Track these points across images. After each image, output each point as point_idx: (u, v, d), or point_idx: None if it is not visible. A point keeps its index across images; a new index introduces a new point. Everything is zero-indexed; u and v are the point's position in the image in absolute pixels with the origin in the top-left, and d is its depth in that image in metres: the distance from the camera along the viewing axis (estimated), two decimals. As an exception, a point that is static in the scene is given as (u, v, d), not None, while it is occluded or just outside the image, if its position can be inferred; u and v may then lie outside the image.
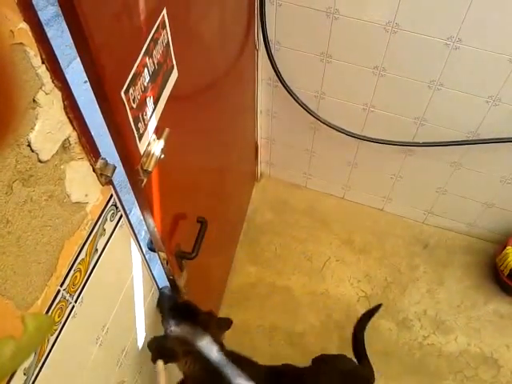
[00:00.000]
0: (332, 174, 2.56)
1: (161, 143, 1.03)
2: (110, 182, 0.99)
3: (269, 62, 1.96)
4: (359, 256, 2.51)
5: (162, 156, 1.03)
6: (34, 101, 0.71)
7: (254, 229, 2.58)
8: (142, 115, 0.94)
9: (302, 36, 1.88)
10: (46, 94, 0.73)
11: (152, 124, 1.00)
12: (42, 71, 0.70)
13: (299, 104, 2.10)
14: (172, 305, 1.47)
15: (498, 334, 2.30)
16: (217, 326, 1.52)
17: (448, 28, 1.64)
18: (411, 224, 2.61)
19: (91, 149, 0.88)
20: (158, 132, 1.03)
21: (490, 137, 1.94)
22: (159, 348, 1.38)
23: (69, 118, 0.80)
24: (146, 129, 0.97)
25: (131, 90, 0.87)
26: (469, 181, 2.22)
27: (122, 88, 0.84)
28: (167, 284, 1.51)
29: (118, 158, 0.95)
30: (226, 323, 1.59)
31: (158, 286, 1.52)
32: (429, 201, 2.45)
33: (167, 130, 1.05)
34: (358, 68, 1.90)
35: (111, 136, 0.89)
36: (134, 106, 0.89)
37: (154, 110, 0.99)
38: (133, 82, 0.87)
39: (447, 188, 2.32)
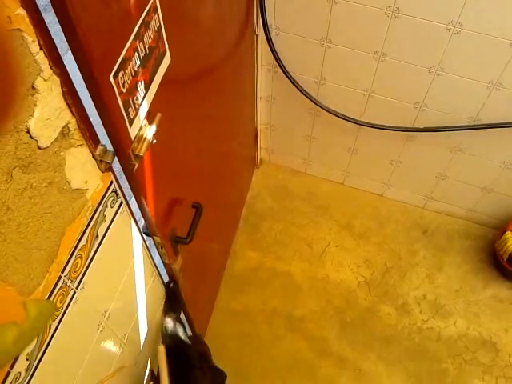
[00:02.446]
0: (332, 160, 2.55)
1: (152, 128, 1.02)
2: (109, 169, 0.99)
3: (268, 47, 1.95)
4: (359, 241, 2.52)
5: (154, 141, 1.03)
6: (32, 87, 0.71)
7: (254, 215, 2.59)
8: (133, 100, 0.93)
9: (301, 21, 1.86)
10: (45, 80, 0.72)
11: (143, 109, 0.99)
12: (40, 57, 0.70)
13: (299, 90, 2.09)
14: (169, 341, 1.41)
15: (497, 318, 2.31)
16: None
17: (449, 12, 1.63)
18: (411, 209, 2.61)
19: (90, 135, 0.88)
20: (150, 117, 1.03)
21: (490, 122, 1.94)
22: None
23: (68, 104, 0.80)
24: (136, 114, 0.96)
25: (120, 75, 0.86)
26: (469, 166, 2.22)
27: (111, 72, 0.83)
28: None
29: (110, 143, 0.95)
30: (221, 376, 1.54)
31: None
32: (428, 186, 2.45)
33: (159, 115, 1.04)
34: (358, 53, 1.89)
35: (101, 121, 0.88)
36: (124, 90, 0.88)
37: (145, 95, 0.98)
38: (122, 67, 0.86)
39: (447, 173, 2.32)
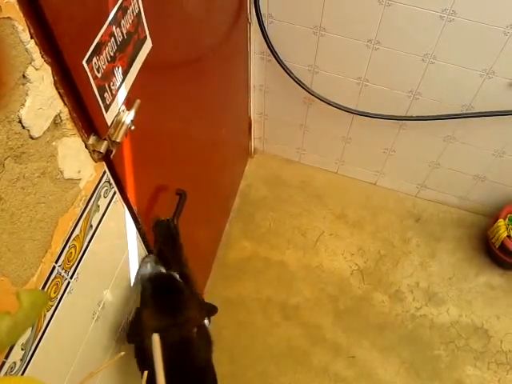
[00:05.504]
0: (326, 149, 2.55)
1: (131, 114, 1.01)
2: (103, 159, 0.99)
3: (261, 35, 1.94)
4: (352, 230, 2.53)
5: (133, 127, 1.01)
6: (23, 76, 0.70)
7: (247, 204, 2.59)
8: (109, 85, 0.92)
9: (295, 9, 1.85)
10: (36, 69, 0.72)
11: (121, 94, 0.98)
12: (31, 46, 0.70)
13: (293, 78, 2.08)
14: (154, 275, 1.32)
15: (489, 305, 2.34)
16: (199, 310, 1.38)
17: (442, 0, 1.62)
18: (404, 198, 2.62)
19: (83, 125, 0.88)
20: (129, 103, 1.01)
21: (483, 110, 1.94)
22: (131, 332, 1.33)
23: (59, 93, 0.79)
24: (113, 99, 0.95)
25: (95, 60, 0.84)
26: (462, 154, 2.22)
27: (84, 57, 0.81)
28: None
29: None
30: (212, 310, 1.46)
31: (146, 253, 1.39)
32: (422, 175, 2.46)
33: (138, 101, 1.03)
34: (351, 41, 1.88)
35: (76, 105, 0.86)
36: (99, 75, 0.87)
37: (123, 81, 0.97)
38: (97, 51, 0.84)
39: (440, 162, 2.33)
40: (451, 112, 2.00)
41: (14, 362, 0.87)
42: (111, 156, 1.00)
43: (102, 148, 0.94)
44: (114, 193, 1.09)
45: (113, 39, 0.89)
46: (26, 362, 0.91)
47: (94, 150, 0.94)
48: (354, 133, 2.36)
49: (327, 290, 2.36)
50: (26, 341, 0.89)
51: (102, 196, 1.03)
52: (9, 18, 0.64)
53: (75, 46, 0.79)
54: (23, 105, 0.71)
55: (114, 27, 0.88)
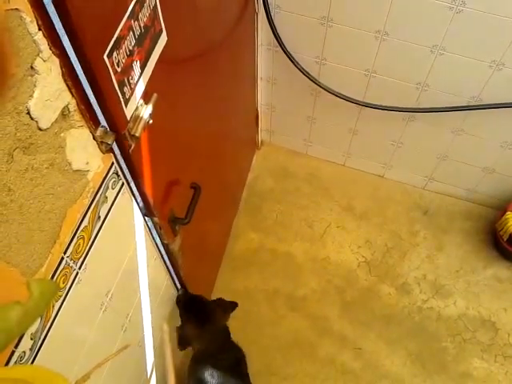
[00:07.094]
0: (333, 141, 2.55)
1: (149, 108, 1.01)
2: (110, 150, 0.99)
3: (268, 26, 1.93)
4: (360, 222, 2.52)
5: (151, 121, 1.02)
6: (31, 68, 0.70)
7: (254, 196, 2.59)
8: (128, 79, 0.92)
9: (302, -1, 1.84)
10: (44, 60, 0.72)
11: (139, 89, 0.98)
12: (39, 38, 0.70)
13: (300, 70, 2.07)
14: (186, 299, 1.79)
15: (496, 298, 2.33)
16: (222, 311, 1.83)
17: (452, -10, 1.61)
18: (411, 190, 2.61)
19: (91, 116, 0.88)
20: (146, 97, 1.02)
21: (492, 102, 1.92)
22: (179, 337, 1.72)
23: (67, 85, 0.79)
24: (132, 93, 0.95)
25: (115, 54, 0.85)
26: (470, 146, 2.21)
27: (105, 52, 0.82)
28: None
29: (106, 123, 0.94)
30: (231, 306, 1.85)
31: (176, 288, 1.79)
32: (429, 167, 2.45)
33: (155, 95, 1.03)
34: (359, 32, 1.87)
35: (97, 101, 0.87)
36: (119, 70, 0.87)
37: (141, 75, 0.97)
38: (116, 46, 0.85)
39: (448, 154, 2.31)
40: (460, 104, 1.99)
41: (24, 352, 0.88)
42: (130, 151, 1.01)
43: (110, 140, 0.94)
44: (122, 184, 1.09)
45: (131, 33, 0.89)
46: (35, 351, 0.92)
47: (101, 142, 0.94)
48: (361, 125, 2.35)
49: (334, 282, 2.37)
50: (35, 331, 0.90)
51: (110, 187, 1.04)
52: (17, 9, 0.64)
53: (96, 40, 0.80)
54: (31, 96, 0.72)
55: (132, 21, 0.89)
